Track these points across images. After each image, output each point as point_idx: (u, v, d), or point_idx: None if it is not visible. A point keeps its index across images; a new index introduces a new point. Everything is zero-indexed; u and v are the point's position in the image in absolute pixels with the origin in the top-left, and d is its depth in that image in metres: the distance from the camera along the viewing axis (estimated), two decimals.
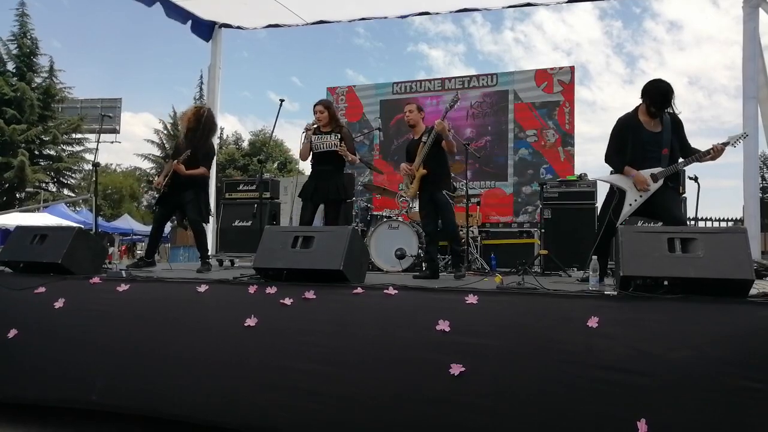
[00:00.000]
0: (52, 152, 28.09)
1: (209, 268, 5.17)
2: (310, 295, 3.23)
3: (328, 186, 5.18)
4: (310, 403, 2.93)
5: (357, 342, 3.02)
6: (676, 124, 4.22)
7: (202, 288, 3.51)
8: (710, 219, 13.76)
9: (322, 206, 5.33)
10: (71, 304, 3.64)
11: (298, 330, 3.13)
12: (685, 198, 6.34)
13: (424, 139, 4.98)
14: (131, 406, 3.26)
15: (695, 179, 4.64)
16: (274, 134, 33.24)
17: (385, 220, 6.38)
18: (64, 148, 28.69)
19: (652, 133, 4.19)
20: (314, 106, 5.28)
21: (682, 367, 2.57)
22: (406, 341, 2.94)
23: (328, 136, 5.23)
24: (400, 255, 5.95)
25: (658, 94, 4.09)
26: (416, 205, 6.23)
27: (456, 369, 2.78)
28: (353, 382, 2.92)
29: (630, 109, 4.34)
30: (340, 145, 5.14)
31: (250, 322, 3.20)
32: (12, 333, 3.60)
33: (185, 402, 3.13)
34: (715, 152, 4.02)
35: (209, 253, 5.77)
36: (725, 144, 4.04)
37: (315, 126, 5.26)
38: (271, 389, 3.02)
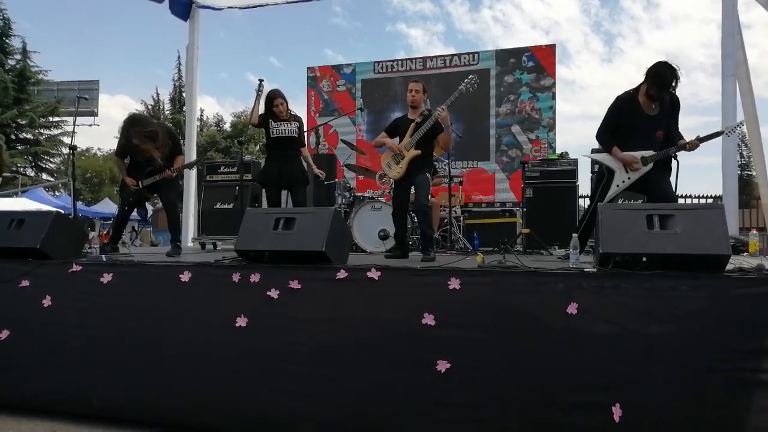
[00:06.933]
0: (29, 136, 27.51)
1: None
2: (294, 284, 3.20)
3: (292, 170, 5.35)
4: (306, 405, 2.98)
5: (346, 341, 3.04)
6: (674, 106, 4.24)
7: (186, 276, 3.42)
8: (690, 196, 13.93)
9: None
10: (59, 302, 3.57)
11: (287, 330, 3.14)
12: None
13: (418, 120, 4.75)
14: (132, 413, 3.24)
15: (675, 157, 4.69)
16: None
17: (368, 201, 6.36)
18: (42, 131, 28.08)
19: (648, 116, 4.20)
20: (276, 98, 5.30)
21: (657, 343, 2.62)
22: (395, 339, 2.97)
23: (288, 123, 5.37)
24: (384, 236, 5.95)
25: (659, 80, 4.05)
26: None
27: (442, 365, 2.83)
28: (344, 383, 2.96)
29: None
30: (299, 132, 5.37)
31: (241, 322, 3.20)
32: (4, 334, 3.57)
33: (185, 409, 3.16)
34: (690, 146, 4.14)
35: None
36: (701, 140, 4.12)
37: (267, 88, 5.37)
38: (267, 392, 3.05)
